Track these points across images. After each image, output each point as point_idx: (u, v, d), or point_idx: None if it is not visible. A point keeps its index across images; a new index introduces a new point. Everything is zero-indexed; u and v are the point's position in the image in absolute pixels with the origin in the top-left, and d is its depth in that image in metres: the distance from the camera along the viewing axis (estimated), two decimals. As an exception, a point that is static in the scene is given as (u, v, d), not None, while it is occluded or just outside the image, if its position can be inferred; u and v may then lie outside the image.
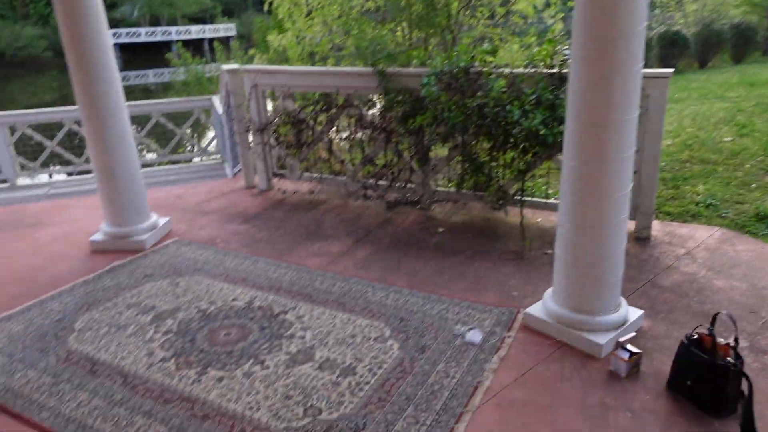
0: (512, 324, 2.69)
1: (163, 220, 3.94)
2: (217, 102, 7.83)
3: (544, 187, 4.25)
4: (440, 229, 3.92)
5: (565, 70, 3.34)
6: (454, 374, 2.35)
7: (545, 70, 3.43)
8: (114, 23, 37.41)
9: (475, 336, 2.59)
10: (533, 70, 3.44)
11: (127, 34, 37.22)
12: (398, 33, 5.09)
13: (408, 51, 4.54)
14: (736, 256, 3.33)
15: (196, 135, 9.66)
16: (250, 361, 2.47)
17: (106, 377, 2.40)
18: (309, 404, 2.19)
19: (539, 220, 3.98)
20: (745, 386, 2.01)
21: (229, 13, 43.96)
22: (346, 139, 4.37)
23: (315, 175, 4.63)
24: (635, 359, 2.30)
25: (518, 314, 2.77)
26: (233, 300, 3.02)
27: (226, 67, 4.67)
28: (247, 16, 42.38)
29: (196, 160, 8.95)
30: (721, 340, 2.11)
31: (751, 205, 4.37)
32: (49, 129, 7.28)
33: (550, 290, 2.70)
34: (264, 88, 4.50)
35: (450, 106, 3.45)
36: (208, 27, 40.77)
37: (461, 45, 3.89)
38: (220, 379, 2.36)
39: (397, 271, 3.33)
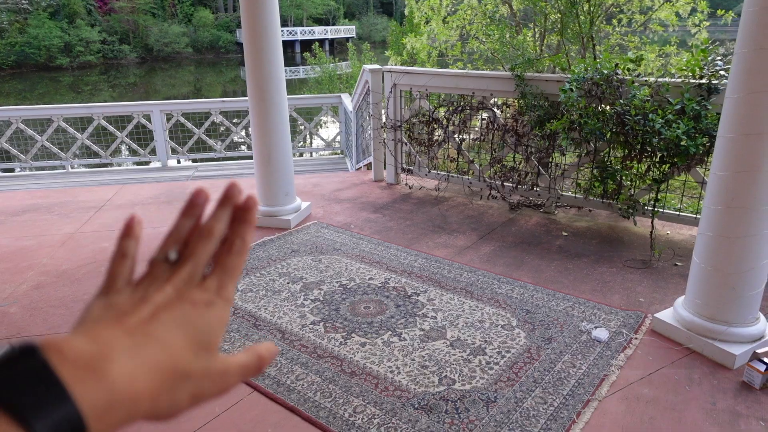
0: (639, 327, 2.75)
1: (305, 204, 4.38)
2: (347, 100, 8.37)
3: (675, 200, 4.17)
4: (564, 233, 3.99)
5: (714, 81, 3.30)
6: (580, 366, 2.47)
7: (692, 80, 3.40)
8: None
9: (601, 334, 2.69)
10: (680, 79, 3.42)
11: (258, 33, 39.94)
12: (532, 39, 5.18)
13: (550, 57, 4.63)
14: None
15: (319, 129, 10.34)
16: (389, 333, 2.76)
17: (268, 331, 2.80)
18: (443, 375, 2.42)
19: (668, 232, 3.93)
20: None
21: (350, 15, 45.76)
22: (476, 140, 4.56)
23: (442, 172, 4.87)
24: (773, 373, 2.28)
25: (645, 318, 2.82)
26: (370, 279, 3.34)
27: (368, 66, 5.04)
28: (367, 19, 43.93)
29: (322, 153, 9.59)
30: None
31: None
32: (195, 118, 8.21)
33: (681, 298, 2.72)
34: (402, 88, 4.82)
35: (589, 111, 3.53)
36: (330, 28, 42.76)
37: (605, 53, 3.93)
38: (363, 345, 2.66)
39: (520, 267, 3.48)
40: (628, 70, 3.65)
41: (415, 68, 5.38)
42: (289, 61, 40.04)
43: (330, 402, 2.27)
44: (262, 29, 3.80)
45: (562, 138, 3.85)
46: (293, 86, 33.12)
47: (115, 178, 7.53)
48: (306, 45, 42.78)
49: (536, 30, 5.41)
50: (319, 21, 44.44)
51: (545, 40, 5.20)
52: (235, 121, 8.54)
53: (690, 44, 6.60)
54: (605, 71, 3.58)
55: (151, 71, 34.64)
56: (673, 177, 3.58)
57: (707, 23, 6.47)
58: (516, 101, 4.22)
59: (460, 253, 3.71)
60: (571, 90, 3.56)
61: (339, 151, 9.07)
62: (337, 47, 43.91)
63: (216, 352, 0.38)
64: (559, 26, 4.60)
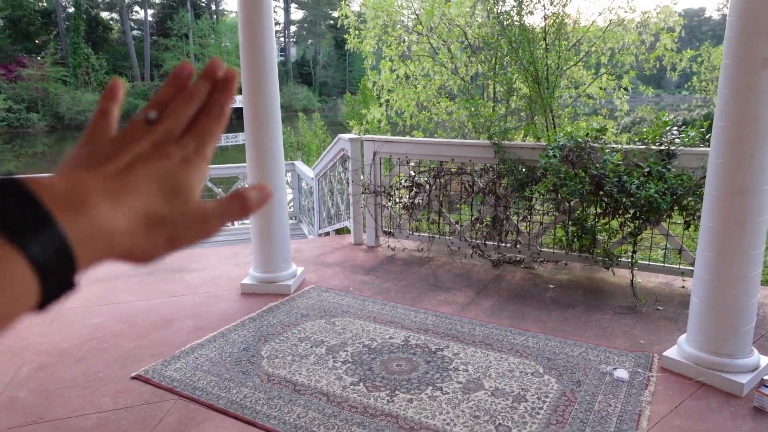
0: (651, 366, 3.05)
1: (300, 269, 4.43)
2: (302, 167, 8.55)
3: (641, 252, 4.66)
4: (551, 286, 4.32)
5: (672, 147, 3.85)
6: (614, 405, 2.70)
7: (653, 147, 3.94)
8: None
9: (622, 374, 2.96)
10: (644, 146, 3.95)
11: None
12: (492, 109, 5.73)
13: (524, 127, 5.15)
14: (836, 317, 3.65)
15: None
16: (430, 387, 2.86)
17: (311, 395, 2.80)
18: (497, 423, 2.55)
19: (640, 280, 4.37)
20: None
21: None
22: (457, 202, 4.89)
23: (424, 234, 5.12)
24: (778, 396, 2.63)
25: (653, 357, 3.13)
26: (390, 338, 3.44)
27: (347, 136, 5.30)
28: (288, 88, 44.89)
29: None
30: None
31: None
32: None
33: (683, 336, 3.07)
34: (382, 155, 5.10)
35: (569, 175, 3.96)
36: (242, 97, 43.17)
37: (566, 124, 4.46)
38: (411, 401, 2.74)
39: (524, 319, 3.72)
40: (596, 138, 4.17)
41: (397, 137, 5.72)
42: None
43: (401, 459, 2.32)
44: (262, 94, 3.97)
45: (544, 198, 4.25)
46: (227, 154, 32.92)
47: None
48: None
49: (498, 99, 6.03)
50: (241, 91, 44.80)
51: (507, 108, 5.80)
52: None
53: (615, 115, 7.51)
54: (579, 139, 4.06)
55: (61, 140, 33.01)
56: (644, 230, 4.04)
57: (627, 97, 7.44)
58: (494, 166, 4.61)
59: (464, 308, 3.91)
60: (554, 156, 3.99)
61: (293, 219, 9.12)
62: (258, 116, 44.21)
63: (194, 198, 0.39)
64: (528, 100, 5.20)
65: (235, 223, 9.66)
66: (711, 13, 65.89)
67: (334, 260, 5.03)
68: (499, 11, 5.44)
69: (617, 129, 8.48)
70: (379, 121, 7.47)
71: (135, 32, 45.69)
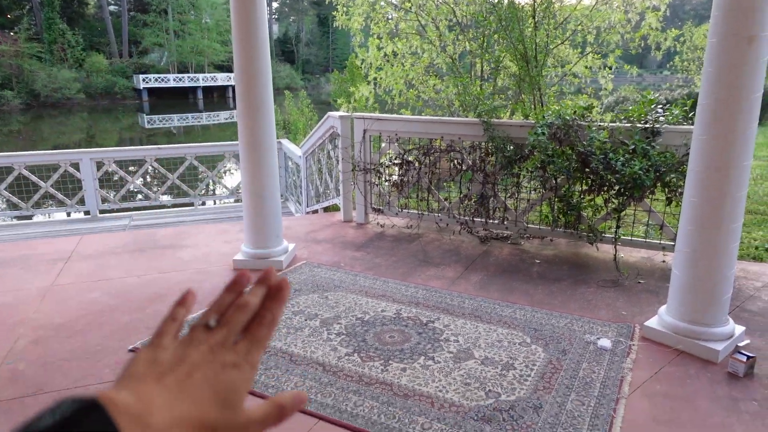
0: (633, 335, 3.18)
1: (291, 245, 4.48)
2: (289, 145, 8.53)
3: (624, 228, 4.79)
4: (537, 261, 4.44)
5: (657, 125, 3.95)
6: (598, 371, 2.82)
7: (638, 125, 4.03)
8: (144, 69, 39.25)
9: (605, 343, 3.08)
10: (629, 124, 4.04)
11: (156, 79, 38.85)
12: (480, 88, 5.77)
13: (513, 105, 5.21)
14: (807, 289, 3.83)
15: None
16: (422, 357, 2.96)
17: (307, 365, 2.88)
18: (487, 389, 2.66)
19: (622, 255, 4.50)
20: None
21: (253, 63, 45.83)
22: (446, 179, 4.96)
23: (414, 211, 5.19)
24: (751, 362, 2.77)
25: (635, 327, 3.26)
26: (382, 311, 3.52)
27: (337, 114, 5.31)
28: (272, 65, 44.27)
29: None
30: (828, 345, 2.59)
31: (806, 248, 4.89)
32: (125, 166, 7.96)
33: (663, 307, 3.20)
34: (372, 133, 5.13)
35: (557, 152, 4.04)
36: (234, 75, 42.49)
37: (551, 101, 4.52)
38: (404, 369, 2.84)
39: (512, 293, 3.83)
40: (583, 116, 4.25)
41: (387, 115, 5.75)
42: (192, 107, 39.23)
43: (397, 422, 2.42)
44: (255, 73, 3.95)
45: (531, 175, 4.34)
46: (195, 133, 32.51)
47: (42, 231, 7.05)
48: (208, 92, 42.28)
49: (485, 78, 6.07)
50: (221, 68, 44.11)
51: (494, 86, 5.85)
52: (171, 168, 8.33)
53: (600, 94, 7.60)
54: (567, 117, 4.14)
55: (37, 118, 32.28)
56: (628, 207, 4.16)
57: (612, 76, 7.52)
58: (483, 144, 4.68)
59: (454, 283, 4.00)
60: (543, 133, 4.07)
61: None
62: (240, 94, 43.64)
63: (240, 407, 0.42)
64: (516, 78, 5.24)
65: (217, 202, 9.63)
66: (694, -7, 66.03)
67: (324, 237, 5.08)
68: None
69: (601, 108, 8.59)
70: (367, 99, 7.47)
71: (112, 7, 44.45)
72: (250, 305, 0.45)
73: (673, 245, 4.18)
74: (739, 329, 3.08)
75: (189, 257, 4.53)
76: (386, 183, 5.19)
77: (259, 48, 3.89)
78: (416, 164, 4.97)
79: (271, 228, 4.23)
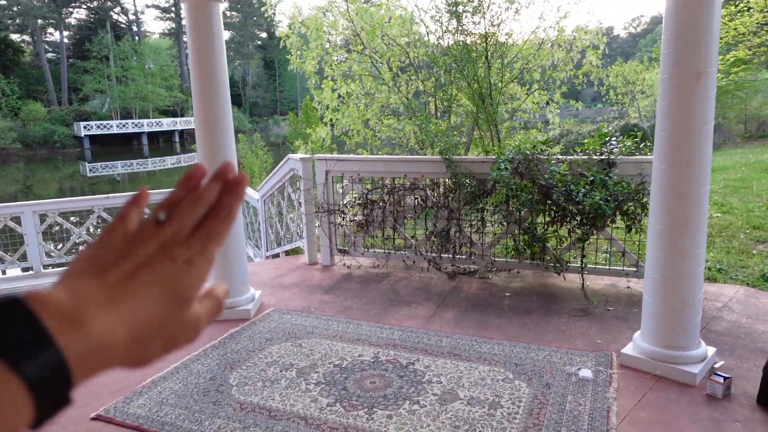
0: (611, 363, 3.21)
1: (257, 292, 4.34)
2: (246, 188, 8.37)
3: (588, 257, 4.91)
4: (507, 294, 4.46)
5: (612, 156, 4.11)
6: (584, 403, 2.82)
7: (594, 157, 4.19)
8: (85, 116, 38.13)
9: (586, 374, 3.09)
10: (586, 156, 4.19)
11: (98, 126, 37.80)
12: (444, 126, 5.90)
13: (474, 141, 5.33)
14: (764, 307, 4.00)
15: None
16: (407, 402, 2.87)
17: (288, 420, 2.74)
18: (477, 431, 2.60)
19: (588, 283, 4.59)
20: (824, 395, 2.58)
21: (199, 107, 45.38)
22: (411, 217, 4.97)
23: (380, 250, 5.15)
24: (728, 382, 2.84)
25: (612, 355, 3.30)
26: (359, 356, 3.43)
27: (297, 155, 5.27)
28: (217, 110, 43.92)
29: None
30: (797, 361, 2.69)
31: (754, 268, 5.14)
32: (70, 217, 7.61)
33: (638, 333, 3.26)
34: (334, 174, 5.11)
35: (520, 186, 4.13)
36: (180, 119, 41.99)
37: (521, 136, 4.65)
38: (390, 416, 2.74)
39: (487, 328, 3.82)
40: (541, 150, 4.38)
41: (349, 155, 5.74)
42: (136, 153, 38.24)
43: (390, 475, 2.32)
44: (216, 115, 3.87)
45: (495, 210, 4.41)
46: (141, 179, 31.59)
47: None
48: (153, 137, 41.40)
49: (439, 116, 6.22)
50: (166, 113, 43.44)
51: (447, 123, 5.99)
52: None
53: (549, 128, 7.90)
54: (527, 152, 4.26)
55: (-27, 168, 30.66)
56: (591, 236, 4.27)
57: (558, 110, 7.87)
58: (446, 180, 4.74)
59: (428, 321, 3.96)
60: (505, 168, 4.16)
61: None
62: (188, 138, 43.06)
63: (191, 304, 0.40)
64: (473, 116, 5.39)
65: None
66: (619, 32, 70.86)
67: (290, 281, 4.96)
68: (442, 29, 5.66)
69: (551, 142, 8.94)
70: (323, 140, 7.49)
71: (50, 55, 43.36)
72: (204, 199, 0.42)
73: (636, 271, 4.32)
74: (711, 350, 3.17)
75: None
76: (351, 223, 5.15)
77: (219, 90, 3.84)
78: (380, 203, 4.96)
79: (237, 275, 4.09)
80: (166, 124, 40.97)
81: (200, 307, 0.42)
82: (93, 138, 37.43)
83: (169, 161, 34.78)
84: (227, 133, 3.92)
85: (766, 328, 3.63)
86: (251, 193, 7.90)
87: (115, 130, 38.48)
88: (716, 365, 2.90)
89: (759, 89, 19.28)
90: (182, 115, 44.11)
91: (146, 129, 39.93)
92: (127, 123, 39.26)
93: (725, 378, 2.83)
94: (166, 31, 52.48)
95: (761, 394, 2.76)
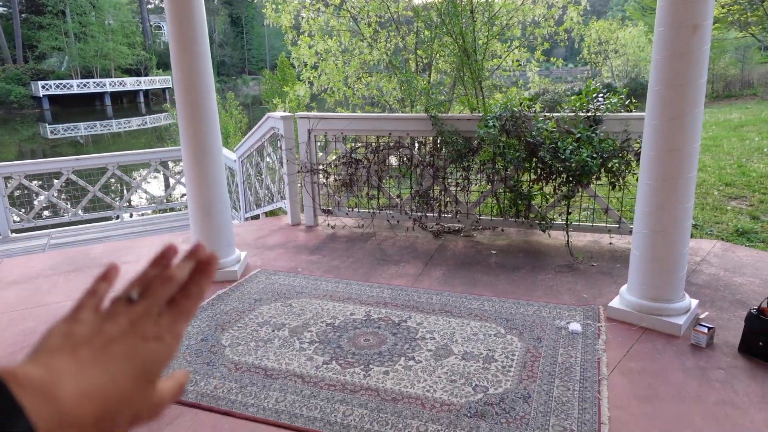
0: (599, 317, 3.29)
1: (242, 254, 4.27)
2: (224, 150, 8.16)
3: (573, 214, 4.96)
4: (493, 251, 4.50)
5: (598, 114, 4.11)
6: (575, 356, 2.89)
7: (581, 114, 4.18)
8: (42, 75, 36.33)
9: (576, 327, 3.16)
10: (573, 114, 4.18)
11: (58, 86, 36.13)
12: (428, 83, 5.79)
13: (460, 99, 5.24)
14: (740, 260, 4.13)
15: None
16: (402, 358, 2.89)
17: (285, 379, 2.74)
18: (474, 384, 2.65)
19: (572, 240, 4.66)
20: (803, 341, 2.69)
21: (164, 66, 43.82)
22: (396, 176, 4.92)
23: (364, 210, 5.11)
24: (711, 332, 2.94)
25: (599, 309, 3.37)
26: (351, 315, 3.42)
27: (277, 114, 5.12)
28: (183, 69, 42.39)
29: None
30: (778, 310, 2.79)
31: (728, 224, 5.29)
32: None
33: (624, 287, 3.33)
34: (317, 133, 4.99)
35: (508, 143, 4.11)
36: (144, 79, 40.42)
37: (506, 93, 4.60)
38: (387, 372, 2.76)
39: (476, 285, 3.86)
40: (528, 107, 4.35)
41: (332, 113, 5.61)
42: (99, 114, 36.76)
43: (391, 429, 2.34)
44: (196, 77, 3.71)
45: (481, 168, 4.39)
46: (105, 142, 30.49)
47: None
48: (117, 97, 39.80)
49: (419, 73, 6.08)
50: (129, 72, 41.74)
51: (431, 79, 5.88)
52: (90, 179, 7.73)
53: (528, 86, 7.86)
54: (515, 109, 4.22)
55: None
56: (576, 193, 4.30)
57: (538, 68, 7.81)
58: (431, 139, 4.68)
59: (417, 279, 3.97)
60: (494, 126, 4.12)
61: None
62: (152, 99, 41.58)
63: (156, 381, 0.42)
64: (457, 72, 5.29)
65: (134, 215, 9.07)
66: (591, -9, 70.38)
67: (275, 242, 4.89)
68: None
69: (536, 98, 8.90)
70: (301, 99, 7.30)
71: (0, 9, 40.85)
72: (176, 278, 0.44)
73: (618, 227, 4.38)
74: (694, 302, 3.26)
75: (133, 274, 4.19)
76: (335, 182, 5.07)
77: (199, 47, 3.66)
78: (365, 162, 4.89)
79: (223, 237, 4.01)
80: (130, 83, 39.41)
81: (165, 387, 0.43)
82: (52, 98, 35.80)
83: (135, 122, 33.62)
84: (208, 91, 3.75)
85: (744, 281, 3.75)
86: (228, 154, 7.71)
87: (75, 90, 36.84)
88: (701, 316, 2.99)
89: (726, 49, 19.56)
90: (146, 75, 42.46)
91: (109, 89, 38.34)
92: (88, 83, 37.58)
93: (709, 328, 2.93)
94: (125, -16, 49.83)
95: (742, 343, 2.87)
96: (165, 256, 0.45)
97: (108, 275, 0.44)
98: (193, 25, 3.60)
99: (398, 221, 5.14)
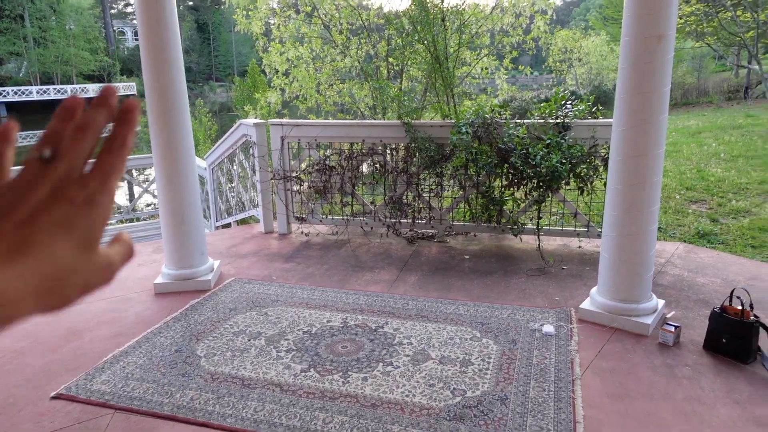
0: (571, 318, 3.37)
1: (216, 262, 4.22)
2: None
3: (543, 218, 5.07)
4: (466, 256, 4.56)
5: (567, 120, 4.22)
6: (549, 357, 2.95)
7: (550, 120, 4.29)
8: (-1, 81, 35.25)
9: (549, 329, 3.23)
10: (542, 120, 4.28)
11: (16, 92, 35.03)
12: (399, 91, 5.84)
13: (433, 105, 5.31)
14: (702, 262, 4.29)
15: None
16: (380, 364, 2.90)
17: (263, 388, 2.71)
18: (452, 387, 2.67)
19: (542, 244, 4.76)
20: (762, 337, 2.82)
21: (128, 72, 42.98)
22: (370, 183, 4.94)
23: (338, 217, 5.11)
24: (678, 331, 3.05)
25: (571, 311, 3.45)
26: (328, 322, 3.42)
27: (250, 121, 5.09)
28: (148, 75, 41.63)
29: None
30: (738, 307, 2.91)
31: (690, 226, 5.49)
32: None
33: (595, 289, 3.42)
34: (290, 140, 4.98)
35: (480, 149, 4.18)
36: (145, 82, 39.48)
37: (477, 100, 4.68)
38: (365, 379, 2.77)
39: (450, 290, 3.90)
40: (499, 114, 4.44)
41: (306, 120, 5.59)
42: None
43: (372, 435, 2.35)
44: (169, 83, 3.66)
45: (453, 174, 4.45)
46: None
47: None
48: (79, 104, 38.62)
49: (390, 80, 6.14)
50: (92, 78, 40.78)
51: (402, 86, 5.94)
52: None
53: (497, 93, 8.01)
54: (486, 116, 4.30)
55: None
56: (546, 198, 4.40)
57: (506, 76, 7.97)
58: (404, 145, 4.72)
59: (392, 285, 3.99)
60: (466, 132, 4.18)
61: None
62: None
63: (98, 246, 0.38)
64: (429, 79, 5.35)
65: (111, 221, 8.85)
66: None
67: (248, 250, 4.85)
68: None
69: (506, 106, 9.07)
70: (272, 106, 7.27)
71: (-46, 12, 39.39)
72: (88, 128, 0.38)
73: (587, 231, 4.50)
74: (661, 302, 3.37)
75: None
76: (309, 190, 5.06)
77: (171, 51, 3.62)
78: (338, 169, 4.90)
79: (195, 245, 3.95)
80: (93, 90, 38.44)
81: (111, 250, 0.40)
82: (10, 105, 34.69)
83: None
84: (181, 96, 3.71)
85: (706, 281, 3.90)
86: (198, 162, 7.60)
87: (35, 97, 35.77)
88: (668, 315, 3.10)
89: (684, 58, 20.31)
90: (110, 81, 41.53)
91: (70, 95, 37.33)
92: (48, 89, 36.54)
93: (676, 327, 3.03)
94: (87, -12, 48.73)
95: (707, 341, 2.98)
96: (68, 108, 0.38)
97: (5, 134, 0.37)
98: (166, 30, 3.56)
99: (372, 228, 5.16)
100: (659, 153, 3.03)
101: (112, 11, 49.34)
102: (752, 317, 2.85)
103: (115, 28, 48.47)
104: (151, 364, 2.97)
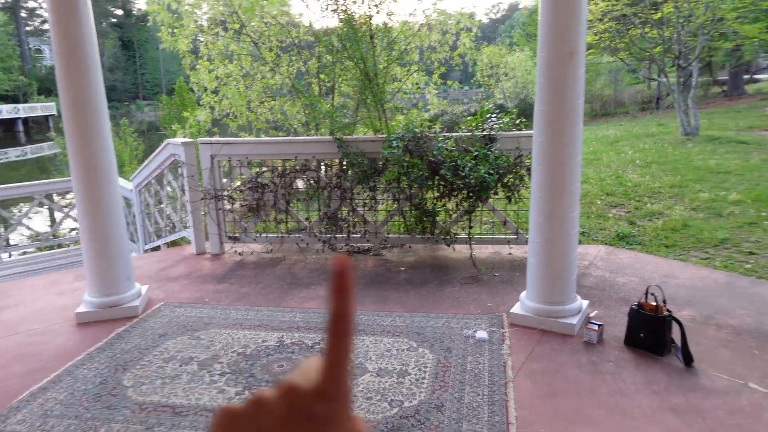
0: (502, 323, 3.48)
1: (144, 287, 4.05)
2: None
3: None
4: (402, 268, 4.61)
5: (492, 133, 4.39)
6: (483, 362, 3.03)
7: (477, 133, 4.44)
8: None
9: (482, 335, 3.31)
10: (470, 133, 4.43)
11: None
12: (331, 107, 5.87)
13: (365, 121, 5.34)
14: (622, 262, 4.55)
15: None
16: (317, 381, 2.88)
17: (196, 415, 2.62)
18: (389, 399, 2.69)
19: (475, 253, 4.89)
20: (675, 330, 3.02)
21: (47, 92, 40.73)
22: (304, 199, 4.92)
23: (273, 234, 5.05)
24: (601, 329, 3.21)
25: (503, 316, 3.56)
26: (263, 341, 3.36)
27: (178, 140, 4.95)
28: (69, 94, 39.62)
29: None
30: (653, 303, 3.11)
31: (610, 229, 5.81)
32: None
33: (524, 293, 3.55)
34: (220, 158, 4.88)
35: (411, 163, 4.26)
36: (23, 106, 37.29)
37: (408, 114, 4.78)
38: (302, 397, 2.73)
39: (387, 302, 3.93)
40: (429, 128, 4.55)
41: (236, 138, 5.49)
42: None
43: (309, 453, 2.32)
44: (88, 100, 3.51)
45: (386, 187, 4.51)
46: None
47: None
48: (-7, 125, 36.27)
49: (322, 96, 6.17)
50: (5, 98, 38.34)
51: (334, 103, 5.98)
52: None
53: (428, 108, 8.21)
54: (416, 130, 4.40)
55: None
56: (476, 208, 4.54)
57: (436, 90, 8.20)
58: (338, 161, 4.75)
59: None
60: (397, 146, 4.26)
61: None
62: (33, 126, 38.43)
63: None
64: (360, 95, 5.41)
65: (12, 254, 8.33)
66: (481, 17, 74.94)
67: (178, 273, 4.69)
68: (321, 9, 5.61)
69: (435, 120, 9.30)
70: (202, 124, 7.11)
71: None
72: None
73: (516, 238, 4.67)
74: (585, 303, 3.55)
75: (17, 318, 3.83)
76: (242, 208, 4.97)
77: (90, 67, 3.47)
78: (271, 186, 4.85)
79: (120, 270, 3.78)
80: (7, 111, 36.20)
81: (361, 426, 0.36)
82: None
83: (13, 154, 30.80)
84: (101, 114, 3.57)
85: (626, 280, 4.13)
86: (123, 184, 7.30)
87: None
88: (591, 315, 3.26)
89: (601, 72, 21.59)
90: (26, 101, 39.22)
91: (-19, 117, 34.97)
92: (-43, 110, 34.05)
93: (599, 325, 3.19)
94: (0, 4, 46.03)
95: (627, 337, 3.16)
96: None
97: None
98: (83, 46, 3.42)
99: (308, 244, 5.12)
100: (576, 162, 3.21)
101: (28, 28, 46.79)
102: (665, 312, 3.05)
103: (31, 46, 45.94)
104: (73, 398, 2.80)
